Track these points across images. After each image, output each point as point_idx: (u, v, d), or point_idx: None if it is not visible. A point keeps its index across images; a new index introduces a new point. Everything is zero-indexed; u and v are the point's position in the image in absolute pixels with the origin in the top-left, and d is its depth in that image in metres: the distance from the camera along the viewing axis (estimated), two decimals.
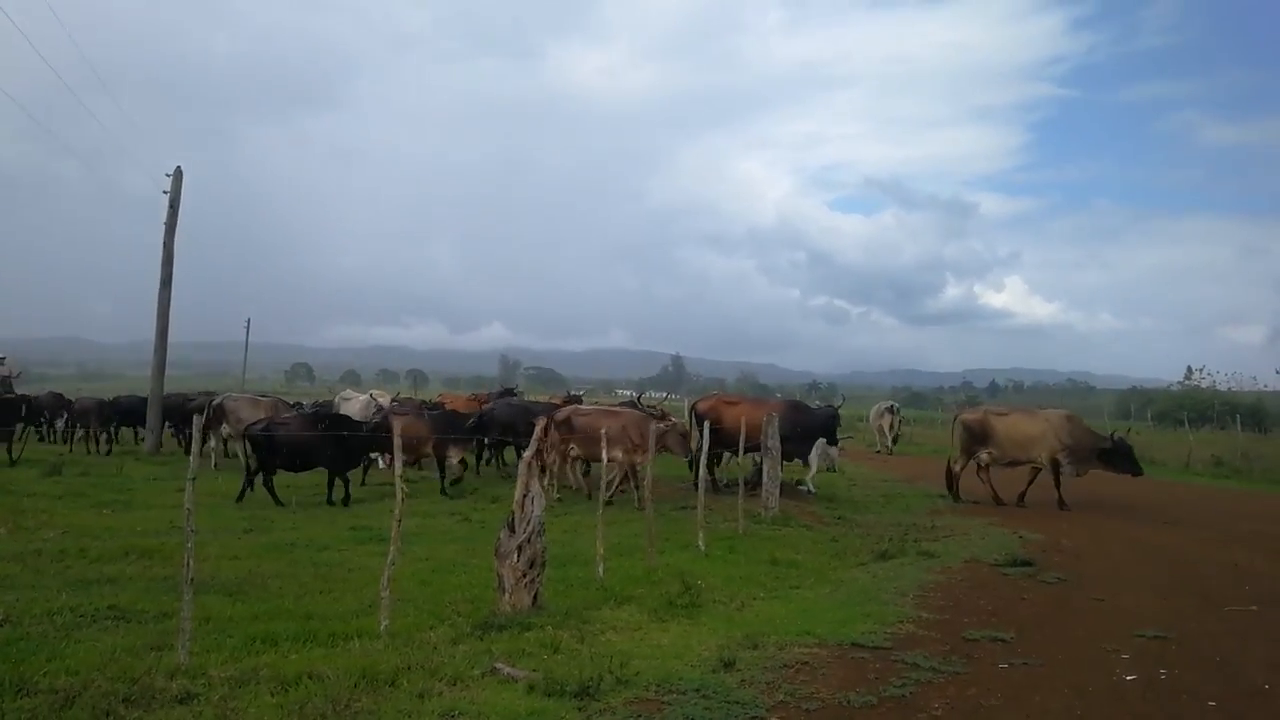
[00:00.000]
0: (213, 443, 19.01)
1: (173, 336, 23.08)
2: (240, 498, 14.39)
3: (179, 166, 22.34)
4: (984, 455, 17.61)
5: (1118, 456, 17.02)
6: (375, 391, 24.13)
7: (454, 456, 16.92)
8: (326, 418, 16.10)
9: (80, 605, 7.55)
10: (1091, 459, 17.04)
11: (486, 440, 18.81)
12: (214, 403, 19.84)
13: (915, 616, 8.29)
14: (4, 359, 25.46)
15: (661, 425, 15.21)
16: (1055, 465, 16.94)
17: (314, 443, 14.59)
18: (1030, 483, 17.36)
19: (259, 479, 14.56)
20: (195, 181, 23.23)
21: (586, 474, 17.93)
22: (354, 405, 20.96)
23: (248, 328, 57.35)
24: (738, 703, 5.65)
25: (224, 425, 19.16)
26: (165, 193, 22.13)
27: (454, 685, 5.86)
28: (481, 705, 5.39)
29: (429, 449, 16.73)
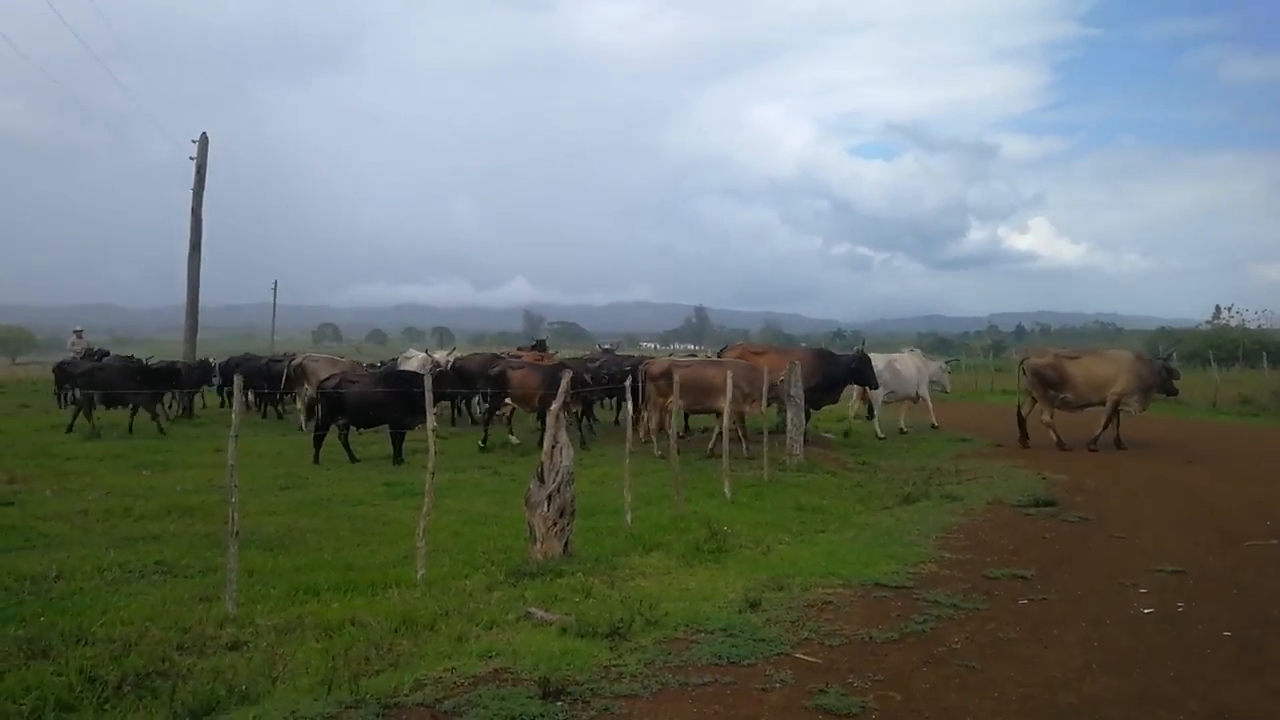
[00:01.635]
0: (298, 403, 19.40)
1: (202, 300, 23.41)
2: (316, 458, 14.65)
3: (204, 133, 22.48)
4: (1057, 400, 17.45)
5: (1169, 381, 17.74)
6: (434, 351, 24.25)
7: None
8: (400, 376, 16.19)
9: (128, 561, 7.84)
10: (1153, 393, 17.46)
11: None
12: (294, 363, 20.20)
13: (938, 557, 8.46)
14: (80, 330, 25.83)
15: (780, 377, 15.12)
16: (1118, 405, 17.14)
17: (383, 400, 14.86)
18: (1106, 425, 17.33)
19: (333, 436, 14.98)
20: (219, 146, 23.51)
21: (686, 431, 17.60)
22: (412, 364, 21.03)
23: (275, 289, 57.90)
24: (763, 640, 5.84)
25: (305, 385, 19.46)
26: (191, 159, 22.30)
27: (490, 629, 6.09)
28: (517, 646, 5.61)
29: (536, 403, 16.54)
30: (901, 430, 20.57)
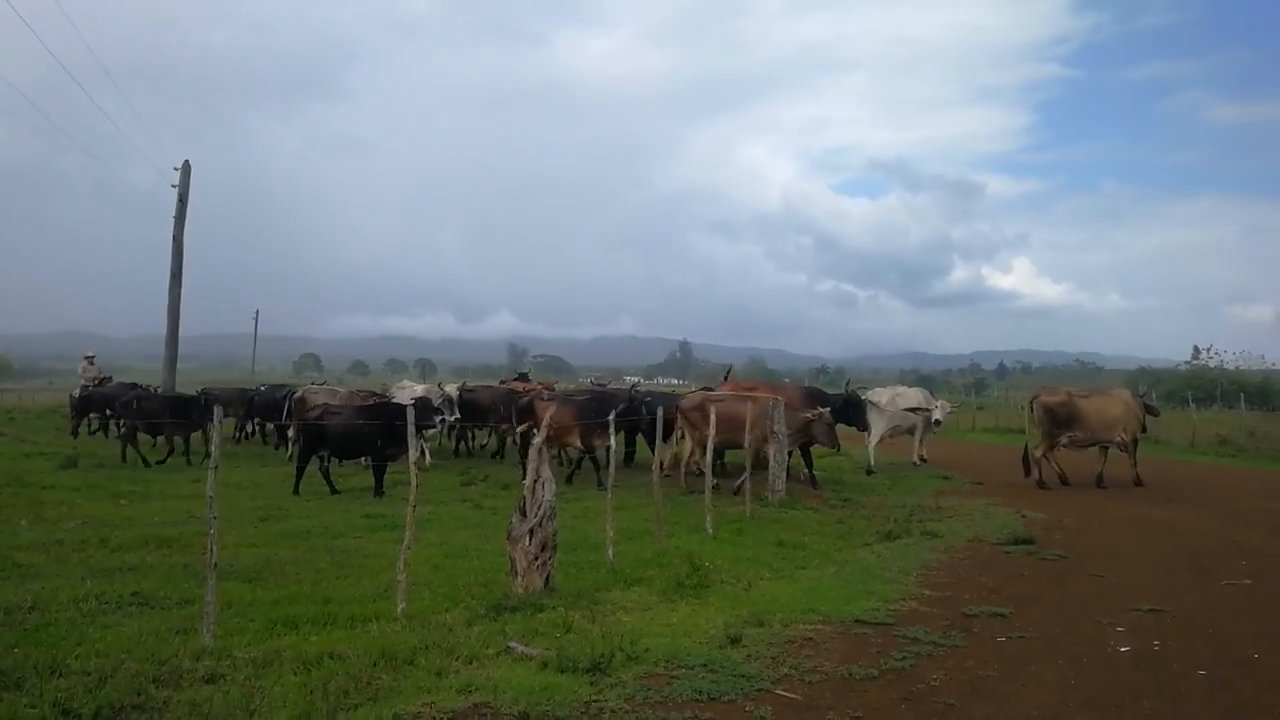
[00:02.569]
0: (292, 433, 19.24)
1: (182, 329, 23.33)
2: (296, 489, 14.57)
3: (187, 161, 22.53)
4: (1065, 438, 17.47)
5: (1149, 414, 18.47)
6: (444, 383, 23.74)
7: (601, 445, 16.14)
8: (383, 407, 16.06)
9: (104, 592, 7.76)
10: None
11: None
12: (294, 395, 20.06)
13: (918, 594, 8.50)
14: (93, 357, 24.99)
15: (809, 414, 15.04)
16: (1134, 443, 17.45)
17: (364, 431, 14.78)
18: (1105, 462, 17.64)
19: (313, 466, 14.94)
20: (201, 174, 23.48)
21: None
22: (414, 395, 20.38)
23: (256, 319, 57.70)
24: (744, 676, 5.86)
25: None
26: (174, 186, 22.35)
27: (470, 664, 6.07)
28: (497, 681, 5.60)
29: (573, 438, 16.34)
30: (921, 460, 20.77)
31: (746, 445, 14.70)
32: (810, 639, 6.86)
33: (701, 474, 15.56)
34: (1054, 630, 7.31)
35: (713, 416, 12.75)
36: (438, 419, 18.71)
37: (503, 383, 24.35)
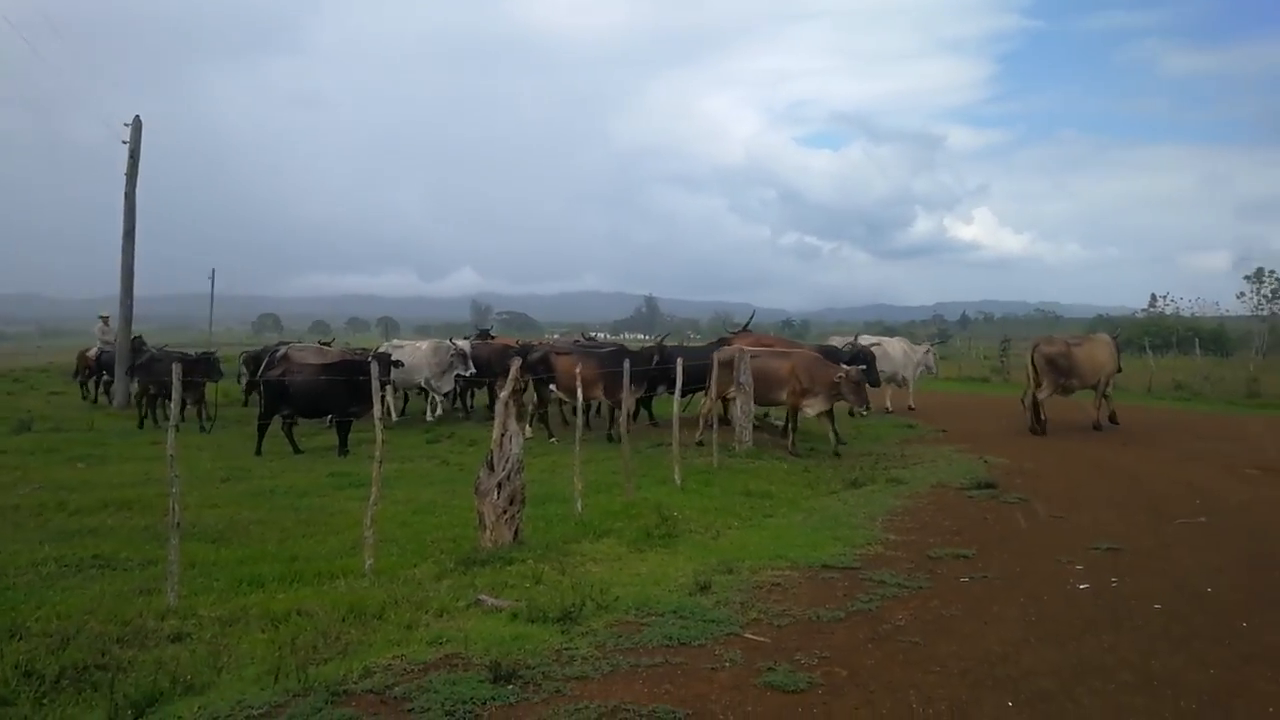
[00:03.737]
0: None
1: (136, 290, 22.80)
2: (258, 450, 14.43)
3: (138, 116, 21.87)
4: (1062, 385, 17.68)
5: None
6: (456, 339, 22.63)
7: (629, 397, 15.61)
8: (346, 365, 15.66)
9: (64, 555, 7.66)
10: None
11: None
12: (278, 354, 19.19)
13: (883, 538, 8.60)
14: (107, 317, 23.63)
15: (839, 373, 14.75)
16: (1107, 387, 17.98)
17: (327, 389, 14.54)
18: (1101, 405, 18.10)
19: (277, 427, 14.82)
20: (154, 130, 22.76)
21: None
22: (420, 352, 19.57)
23: (213, 279, 56.75)
24: (713, 621, 5.90)
25: None
26: (125, 143, 21.72)
27: (440, 617, 6.07)
28: (468, 633, 5.60)
29: (598, 391, 15.90)
30: (887, 410, 20.91)
31: (782, 400, 14.84)
32: (778, 584, 6.92)
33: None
34: (1015, 570, 7.44)
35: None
36: (455, 374, 18.65)
37: (479, 337, 23.69)
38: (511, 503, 8.18)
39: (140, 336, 23.58)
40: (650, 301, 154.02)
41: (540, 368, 16.32)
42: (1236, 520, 9.50)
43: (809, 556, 7.75)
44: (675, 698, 4.68)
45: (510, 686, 4.73)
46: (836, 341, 21.06)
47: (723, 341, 18.94)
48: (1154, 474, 12.56)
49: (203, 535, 8.52)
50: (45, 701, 4.54)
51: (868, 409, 15.29)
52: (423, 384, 19.39)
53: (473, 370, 18.63)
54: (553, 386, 16.44)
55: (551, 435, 16.66)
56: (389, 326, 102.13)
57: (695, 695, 4.73)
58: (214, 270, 57.84)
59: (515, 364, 9.26)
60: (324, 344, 22.55)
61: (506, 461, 8.19)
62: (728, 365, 15.12)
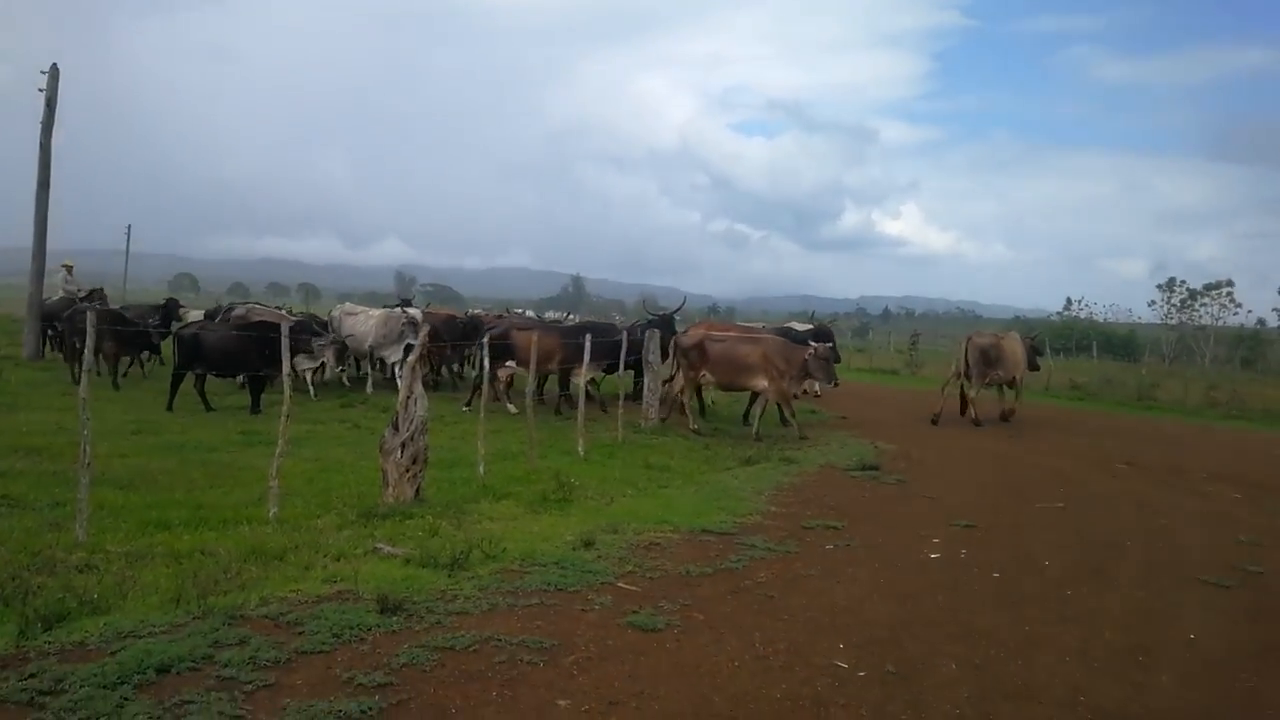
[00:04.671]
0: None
1: (50, 243, 22.39)
2: (170, 405, 14.41)
3: (55, 65, 21.42)
4: (991, 376, 18.63)
5: (1033, 358, 20.00)
6: (407, 307, 21.77)
7: (578, 375, 16.00)
8: (264, 325, 15.65)
9: None
10: None
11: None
12: (232, 314, 18.57)
13: (764, 510, 9.23)
14: (70, 265, 22.38)
15: (807, 352, 15.06)
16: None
17: (241, 347, 14.58)
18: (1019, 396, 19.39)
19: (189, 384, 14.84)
20: (70, 79, 22.23)
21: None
22: (370, 320, 19.36)
23: (128, 235, 55.28)
24: (591, 572, 6.44)
25: None
26: (41, 90, 21.28)
27: (337, 560, 6.47)
28: (361, 574, 6.02)
29: (554, 365, 16.21)
30: (816, 394, 21.63)
31: (758, 387, 15.11)
32: (657, 544, 7.48)
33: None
34: (877, 540, 8.13)
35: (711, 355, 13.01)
36: (405, 344, 18.22)
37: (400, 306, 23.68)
38: (414, 462, 8.60)
39: (102, 289, 23.19)
40: (577, 281, 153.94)
41: (499, 341, 16.41)
42: (1091, 507, 10.37)
43: (691, 522, 8.33)
44: (544, 631, 5.20)
45: (395, 617, 5.20)
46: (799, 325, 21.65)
47: (656, 324, 19.23)
48: (1029, 464, 13.49)
49: (112, 482, 8.72)
50: None
51: (835, 384, 15.98)
52: (368, 352, 19.45)
53: (423, 339, 18.55)
54: (511, 362, 16.49)
55: (510, 404, 16.95)
56: (310, 293, 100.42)
57: (563, 630, 5.26)
58: (130, 227, 56.36)
59: (424, 331, 9.64)
60: (279, 309, 22.39)
61: (411, 423, 8.59)
62: (691, 350, 15.65)
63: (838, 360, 18.48)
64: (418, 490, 8.63)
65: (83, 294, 21.45)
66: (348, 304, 23.73)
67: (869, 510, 9.51)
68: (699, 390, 16.58)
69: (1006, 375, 18.92)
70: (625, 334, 16.57)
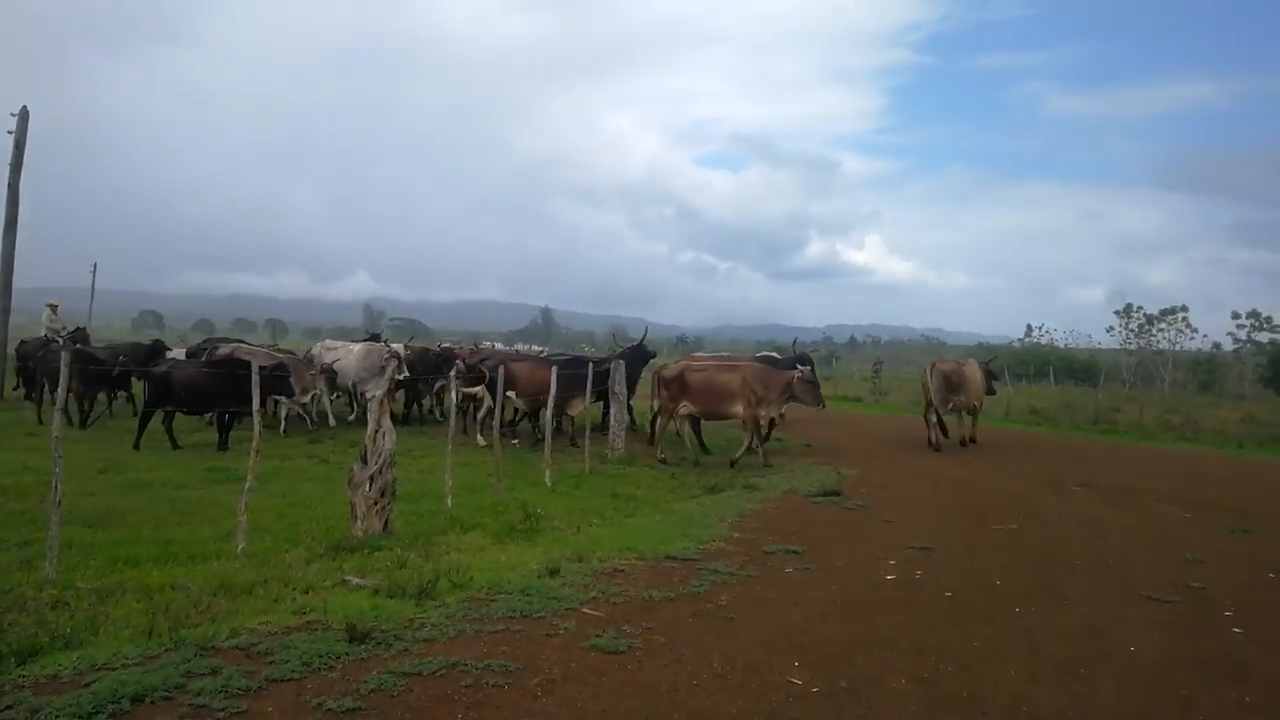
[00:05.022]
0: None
1: (14, 282, 22.28)
2: (137, 444, 14.38)
3: (25, 107, 21.50)
4: (953, 402, 19.16)
5: (990, 383, 20.82)
6: (388, 340, 22.11)
7: (575, 407, 16.95)
8: (229, 362, 15.63)
9: None
10: None
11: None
12: (218, 353, 18.05)
13: (728, 536, 9.42)
14: (55, 305, 22.00)
15: (792, 376, 15.37)
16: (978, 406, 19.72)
17: (210, 384, 14.67)
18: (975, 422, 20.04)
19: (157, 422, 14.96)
20: (36, 116, 22.21)
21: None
22: (351, 354, 19.43)
23: (94, 273, 54.81)
24: (556, 599, 6.60)
25: None
26: (10, 133, 21.32)
27: (306, 593, 6.59)
28: (331, 605, 6.14)
29: (546, 398, 16.48)
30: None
31: (737, 413, 15.37)
32: (622, 570, 7.66)
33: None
34: (836, 563, 8.35)
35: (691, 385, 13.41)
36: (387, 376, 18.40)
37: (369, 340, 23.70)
38: (383, 494, 8.74)
39: (84, 328, 23.10)
40: (546, 313, 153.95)
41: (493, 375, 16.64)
42: (1044, 528, 10.66)
43: (656, 549, 8.51)
44: (509, 656, 5.36)
45: (364, 646, 5.34)
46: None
47: (633, 353, 19.54)
48: (987, 487, 13.80)
49: (79, 520, 8.78)
50: None
51: (822, 406, 16.38)
52: (350, 386, 19.45)
53: (406, 374, 18.36)
54: (511, 393, 16.46)
55: (515, 439, 17.38)
56: (277, 328, 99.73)
57: (528, 654, 5.42)
58: (95, 265, 55.87)
59: (391, 364, 9.80)
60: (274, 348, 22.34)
61: (379, 456, 8.75)
62: (670, 381, 15.92)
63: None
64: (386, 523, 8.77)
65: (65, 332, 21.33)
66: (326, 340, 23.75)
67: (829, 534, 9.74)
68: (697, 423, 16.97)
69: (967, 402, 19.38)
70: (619, 364, 16.93)
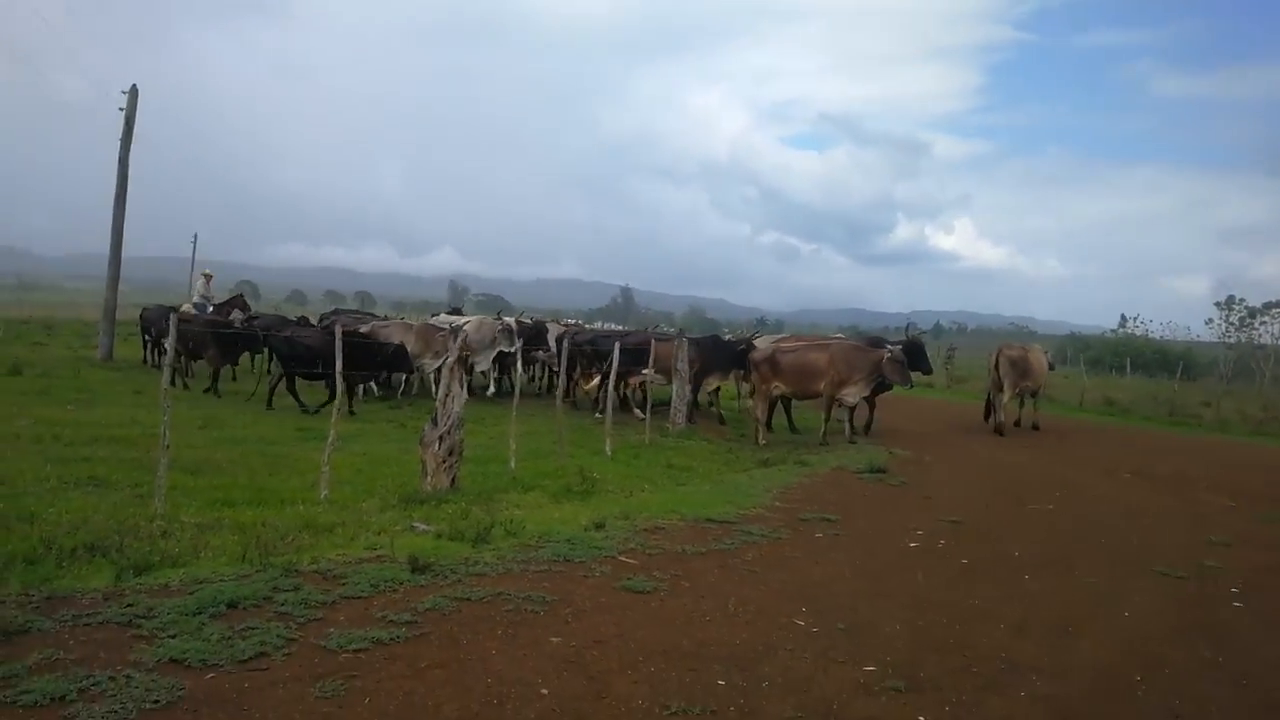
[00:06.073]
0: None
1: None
2: (269, 403, 15.81)
3: (134, 85, 22.95)
4: (1022, 386, 19.72)
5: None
6: (507, 317, 22.55)
7: (712, 383, 18.37)
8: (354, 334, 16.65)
9: (63, 474, 8.93)
10: None
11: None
12: (362, 329, 18.77)
13: (769, 504, 10.04)
14: (210, 275, 23.05)
15: (882, 355, 16.01)
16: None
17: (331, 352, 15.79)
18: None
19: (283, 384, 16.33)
20: (143, 90, 23.57)
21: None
22: (469, 327, 19.15)
23: (194, 243, 57.39)
24: (598, 548, 7.33)
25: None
26: (121, 109, 22.80)
27: (378, 534, 7.43)
28: (398, 545, 6.96)
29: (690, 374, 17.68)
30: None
31: (821, 390, 16.09)
32: (662, 528, 8.35)
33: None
34: (865, 531, 8.91)
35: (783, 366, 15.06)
36: (498, 350, 19.20)
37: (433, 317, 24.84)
38: (450, 454, 9.57)
39: (242, 295, 24.40)
40: (626, 292, 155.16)
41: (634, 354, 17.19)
42: (1080, 509, 11.00)
43: (698, 512, 9.18)
44: (549, 589, 6.10)
45: (423, 575, 6.14)
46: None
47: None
48: (1035, 471, 14.11)
49: (181, 468, 9.76)
50: (65, 564, 5.88)
51: (911, 385, 17.38)
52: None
53: (517, 346, 18.99)
54: (647, 370, 17.21)
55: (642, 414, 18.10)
56: (365, 300, 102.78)
57: (565, 590, 6.16)
58: (196, 235, 58.50)
59: (459, 336, 10.61)
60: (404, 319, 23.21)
61: (449, 418, 9.58)
62: (762, 363, 16.60)
63: (929, 371, 20.14)
64: (453, 480, 9.60)
65: (216, 301, 22.37)
66: (440, 315, 24.39)
67: (865, 507, 10.28)
68: (789, 403, 17.84)
69: (1034, 385, 19.64)
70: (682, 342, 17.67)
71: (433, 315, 23.65)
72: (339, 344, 9.83)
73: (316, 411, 15.37)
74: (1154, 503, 11.69)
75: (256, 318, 21.20)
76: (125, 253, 24.07)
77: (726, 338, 21.67)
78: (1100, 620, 6.42)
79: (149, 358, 21.92)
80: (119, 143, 22.91)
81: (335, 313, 22.78)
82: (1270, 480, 14.57)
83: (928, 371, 20.06)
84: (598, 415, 17.14)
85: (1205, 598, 7.24)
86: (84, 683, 4.19)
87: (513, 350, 19.05)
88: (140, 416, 13.19)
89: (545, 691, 4.50)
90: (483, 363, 19.49)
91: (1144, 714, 4.79)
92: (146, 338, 22.10)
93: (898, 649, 5.46)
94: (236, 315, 21.83)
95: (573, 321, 36.90)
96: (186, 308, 21.98)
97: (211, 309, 21.62)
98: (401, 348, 17.30)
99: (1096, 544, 8.99)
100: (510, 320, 20.61)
